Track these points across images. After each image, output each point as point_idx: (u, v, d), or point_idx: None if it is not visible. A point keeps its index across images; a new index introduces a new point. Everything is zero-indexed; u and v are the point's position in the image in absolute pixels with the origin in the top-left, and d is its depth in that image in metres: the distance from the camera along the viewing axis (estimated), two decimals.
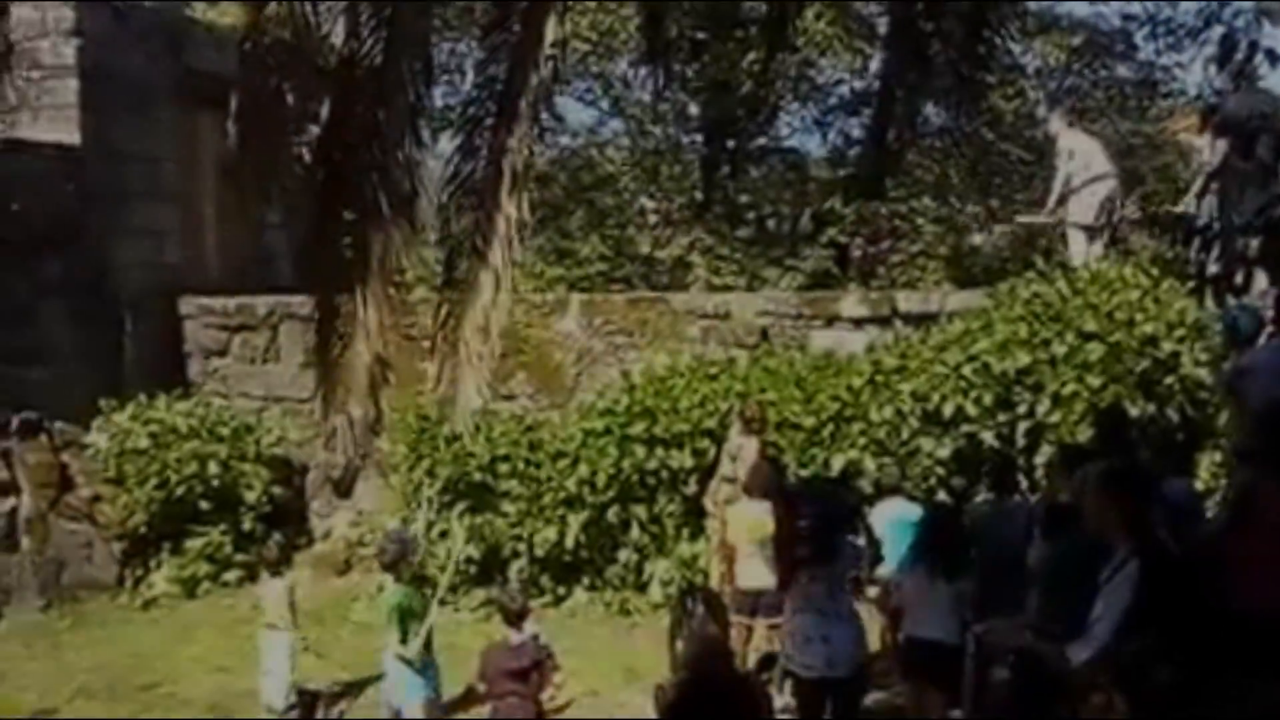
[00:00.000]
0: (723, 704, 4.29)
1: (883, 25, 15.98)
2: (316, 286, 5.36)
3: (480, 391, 4.94)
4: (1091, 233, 10.79)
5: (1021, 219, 14.39)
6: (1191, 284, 9.93)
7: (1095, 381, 8.79)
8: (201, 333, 12.83)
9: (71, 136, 12.00)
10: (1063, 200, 10.89)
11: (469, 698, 7.91)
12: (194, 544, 11.10)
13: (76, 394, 11.38)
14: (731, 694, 4.46)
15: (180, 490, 11.10)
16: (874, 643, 7.01)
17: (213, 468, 11.19)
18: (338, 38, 5.32)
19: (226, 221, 13.91)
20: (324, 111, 5.17)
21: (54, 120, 11.93)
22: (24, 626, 10.25)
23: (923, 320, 10.43)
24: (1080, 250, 10.77)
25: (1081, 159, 10.81)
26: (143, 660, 9.26)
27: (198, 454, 11.20)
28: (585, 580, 10.23)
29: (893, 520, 7.77)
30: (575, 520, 10.01)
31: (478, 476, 10.40)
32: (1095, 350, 8.93)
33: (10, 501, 10.74)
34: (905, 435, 9.24)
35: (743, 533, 7.83)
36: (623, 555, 10.11)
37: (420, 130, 5.00)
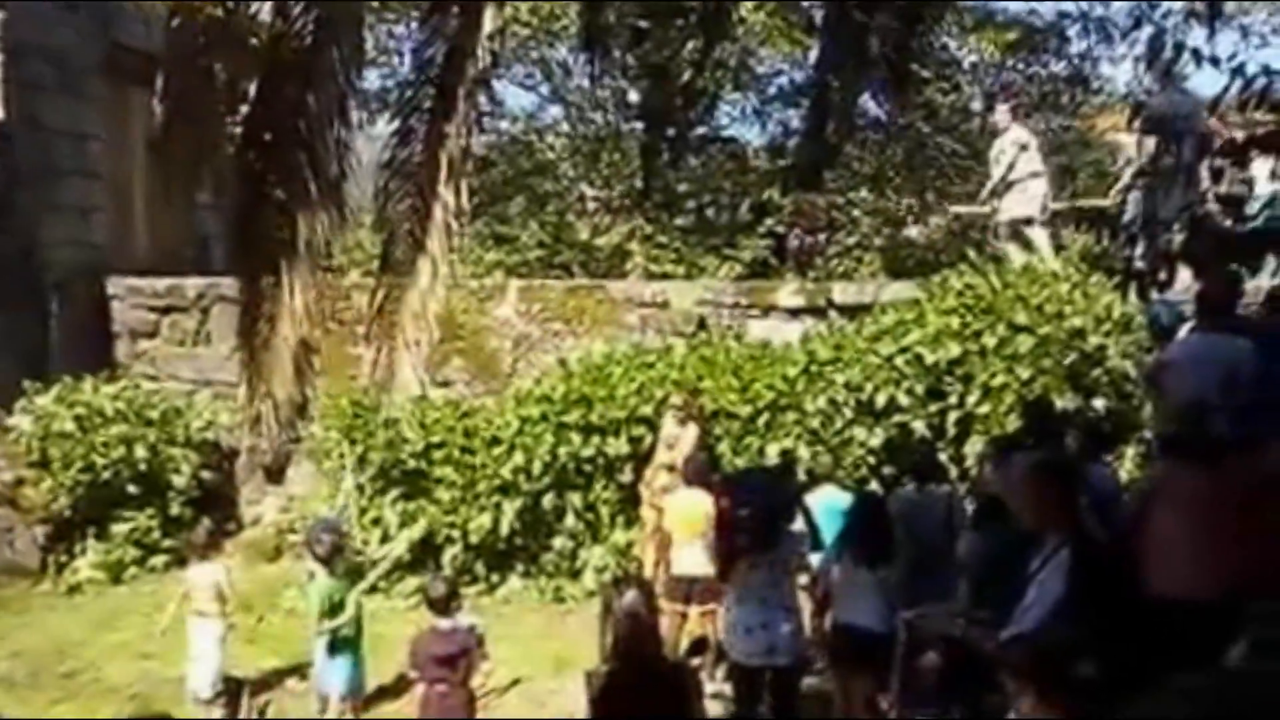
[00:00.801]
0: (653, 690, 4.32)
1: (821, 17, 16.08)
2: (244, 269, 5.28)
3: (417, 377, 4.91)
4: (1031, 225, 10.88)
5: (956, 209, 14.57)
6: (1118, 279, 10.15)
7: (1024, 373, 8.94)
8: (130, 314, 12.60)
9: None
10: (998, 193, 10.95)
11: (399, 685, 7.89)
12: (120, 529, 10.91)
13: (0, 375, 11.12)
14: (661, 679, 4.49)
15: (106, 474, 10.89)
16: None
17: (140, 451, 10.99)
18: (267, 15, 5.24)
19: (156, 201, 13.63)
20: (252, 91, 5.09)
21: None
22: None
23: (857, 311, 10.53)
24: (1040, 242, 10.77)
25: (1030, 153, 10.90)
26: (66, 647, 9.08)
27: (125, 437, 10.99)
28: (519, 567, 10.22)
29: (824, 508, 7.85)
30: (510, 507, 9.99)
31: (411, 463, 10.33)
32: (1025, 342, 9.08)
33: None
34: (839, 424, 9.34)
35: (679, 520, 7.87)
36: (557, 542, 10.10)
37: (350, 112, 4.95)
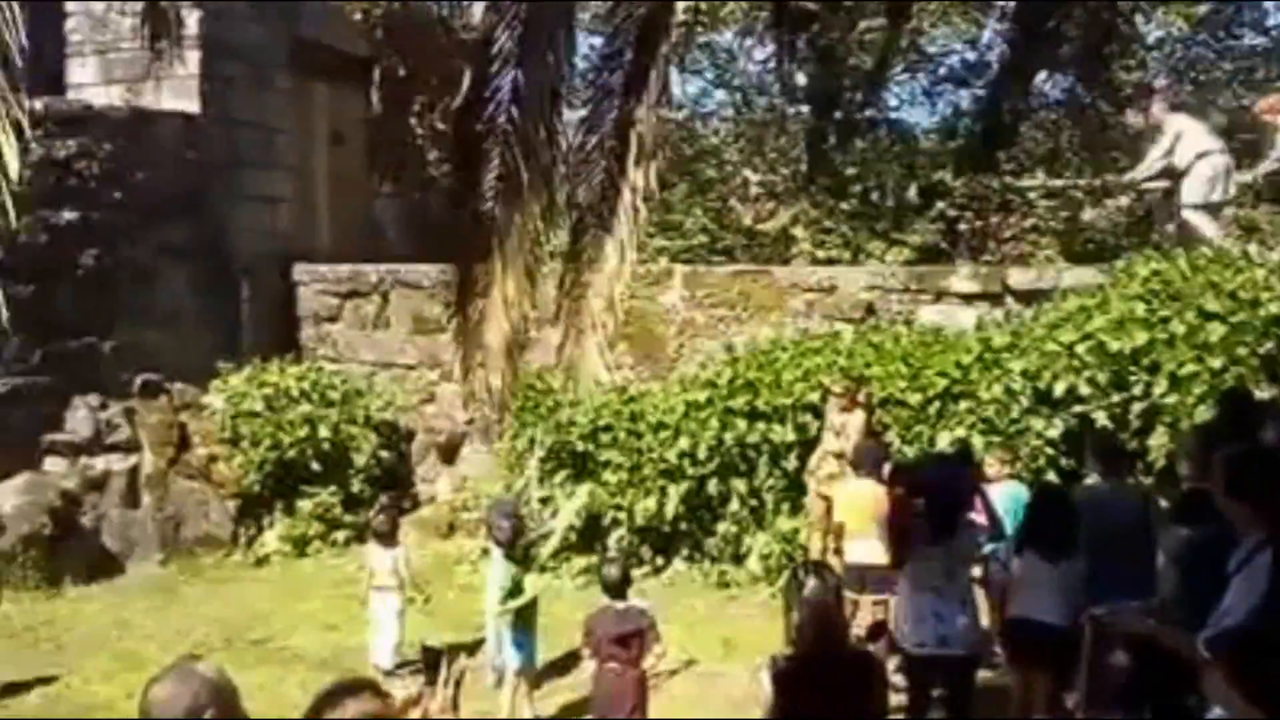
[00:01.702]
0: (839, 676, 4.28)
1: None
2: (456, 256, 5.39)
3: (603, 361, 4.97)
4: (1209, 210, 10.45)
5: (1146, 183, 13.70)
6: None
7: (1216, 362, 8.48)
8: (314, 299, 13.15)
9: (192, 106, 12.36)
10: (1164, 176, 10.64)
11: (569, 662, 8.05)
12: (305, 505, 11.44)
13: (195, 356, 11.80)
14: (848, 666, 4.45)
15: (292, 452, 11.43)
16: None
17: (323, 431, 11.50)
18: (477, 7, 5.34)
19: (338, 190, 14.26)
20: (464, 83, 5.20)
21: (176, 91, 12.30)
22: (144, 580, 10.70)
23: (1034, 297, 10.19)
24: (1209, 230, 10.41)
25: (1189, 140, 10.51)
26: (256, 616, 9.57)
27: (309, 417, 11.52)
28: (684, 551, 10.28)
29: (1006, 498, 7.65)
30: (675, 491, 10.05)
31: (579, 446, 10.50)
32: (1216, 330, 8.61)
33: (133, 459, 11.18)
34: (1015, 414, 9.05)
35: (851, 509, 7.78)
36: (721, 527, 10.11)
37: (561, 100, 5.00)
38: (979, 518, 6.79)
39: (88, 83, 12.51)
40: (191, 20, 12.17)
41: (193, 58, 12.16)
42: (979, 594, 7.36)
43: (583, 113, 5.13)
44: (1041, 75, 15.97)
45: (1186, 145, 10.57)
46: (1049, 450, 8.97)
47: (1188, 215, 10.64)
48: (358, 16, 14.00)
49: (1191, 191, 10.55)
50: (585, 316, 4.97)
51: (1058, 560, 6.06)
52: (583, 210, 5.10)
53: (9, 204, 2.79)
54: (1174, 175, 10.69)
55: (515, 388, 10.61)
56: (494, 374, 5.05)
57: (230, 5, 12.45)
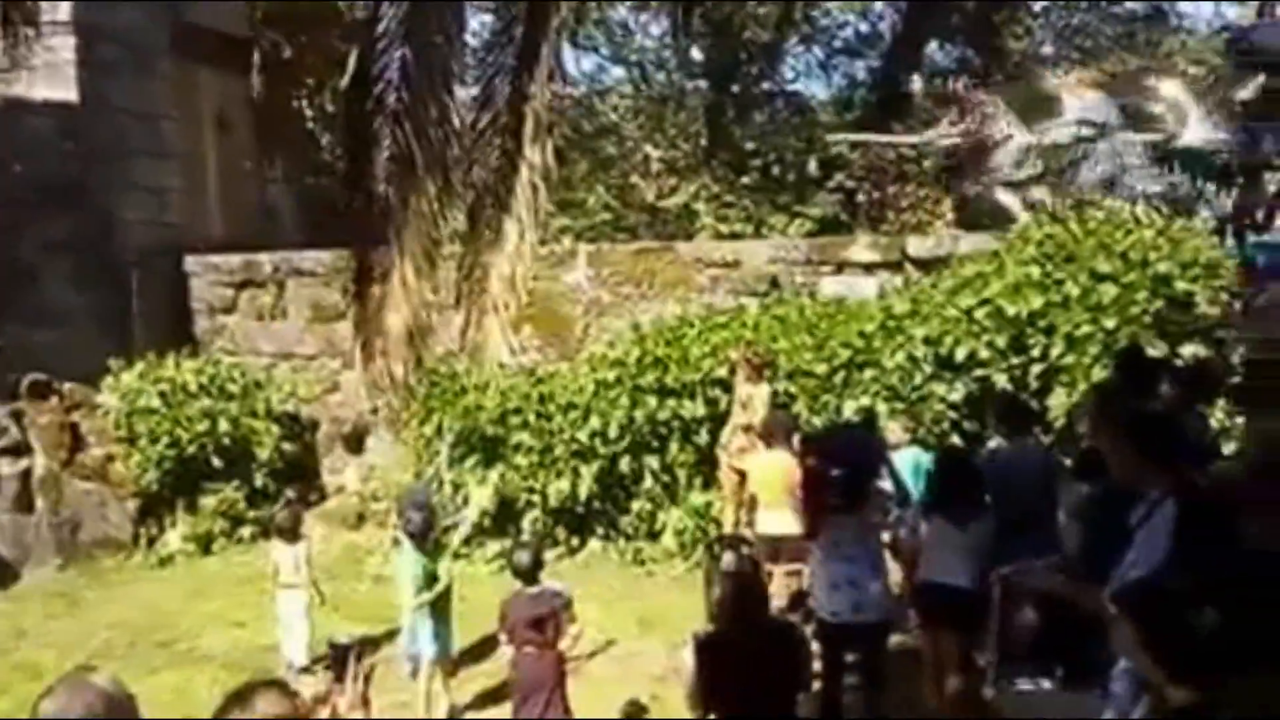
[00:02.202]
0: (762, 647, 4.30)
1: None
2: (352, 241, 5.25)
3: (505, 342, 4.90)
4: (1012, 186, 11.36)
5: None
6: (1212, 223, 9.82)
7: (1110, 322, 8.72)
8: (207, 290, 12.79)
9: (69, 94, 11.87)
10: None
11: (484, 647, 7.98)
12: (208, 501, 11.16)
13: (85, 354, 11.37)
14: (770, 636, 4.48)
15: (192, 448, 11.12)
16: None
17: (224, 425, 11.21)
18: None
19: (227, 177, 13.86)
20: (350, 62, 5.06)
21: (50, 79, 11.79)
22: (42, 585, 10.33)
23: (933, 264, 10.36)
24: (1009, 202, 11.29)
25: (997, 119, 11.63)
26: (162, 617, 9.31)
27: (208, 412, 11.22)
28: (599, 530, 10.29)
29: (908, 464, 7.77)
30: (588, 471, 10.03)
31: (489, 430, 10.40)
32: (1109, 291, 8.86)
33: (24, 462, 10.77)
34: (918, 380, 9.21)
35: (764, 482, 7.83)
36: (636, 505, 10.14)
37: (452, 79, 4.89)
38: (884, 484, 6.88)
39: None
40: (64, 6, 11.71)
41: (67, 44, 11.68)
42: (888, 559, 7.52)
43: (475, 91, 5.03)
44: (933, 45, 16.19)
45: (993, 123, 11.36)
46: (951, 414, 9.16)
47: (991, 188, 11.46)
48: None
49: (996, 166, 11.31)
50: (487, 298, 4.90)
51: (965, 523, 6.15)
52: (480, 190, 5.02)
53: None
54: (981, 149, 11.41)
55: (419, 374, 10.51)
56: (396, 361, 4.94)
57: None
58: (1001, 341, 9.07)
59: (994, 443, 7.57)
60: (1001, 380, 9.01)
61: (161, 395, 11.27)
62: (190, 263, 12.77)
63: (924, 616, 6.49)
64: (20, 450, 10.80)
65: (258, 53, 13.96)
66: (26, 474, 10.75)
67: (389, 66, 4.70)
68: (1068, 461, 6.77)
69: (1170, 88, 11.57)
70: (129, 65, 12.38)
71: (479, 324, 4.97)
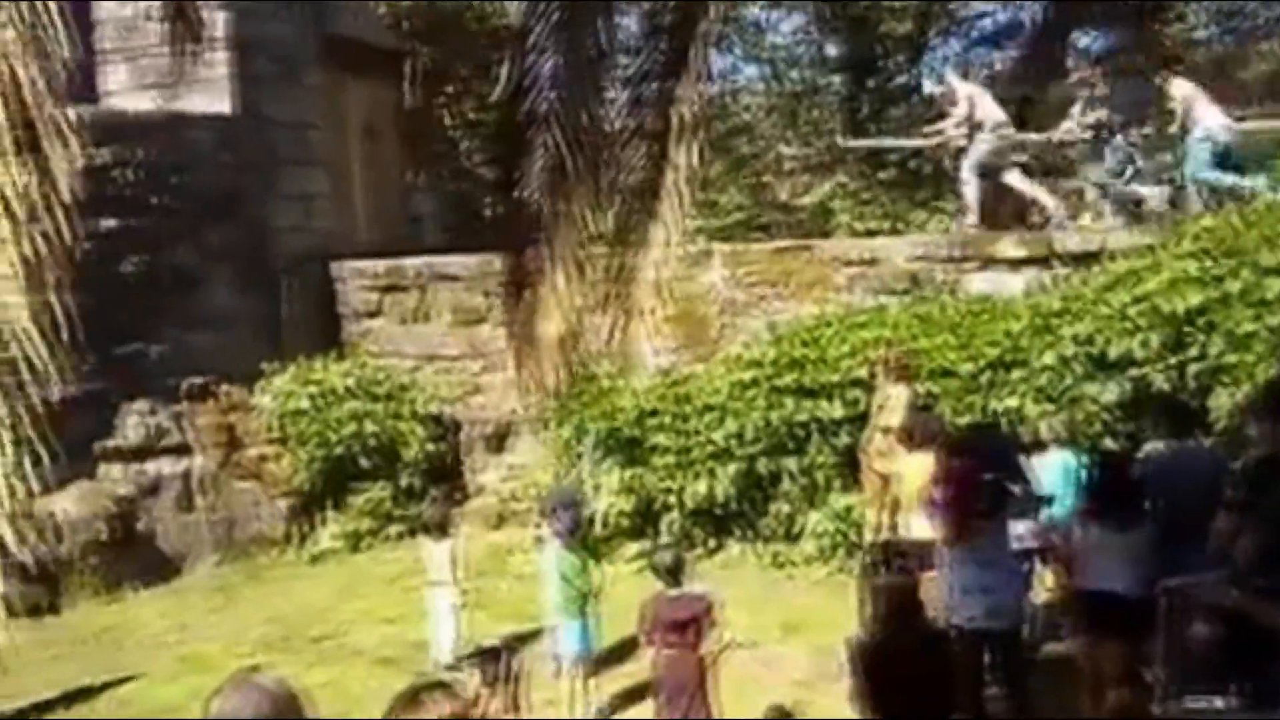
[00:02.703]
0: (923, 655, 4.22)
1: None
2: (502, 247, 5.31)
3: (653, 345, 4.90)
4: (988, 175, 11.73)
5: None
6: None
7: (1276, 319, 8.28)
8: (354, 294, 13.15)
9: (225, 107, 12.36)
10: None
11: (626, 648, 8.01)
12: (356, 501, 11.49)
13: (241, 357, 11.83)
14: (930, 645, 4.39)
15: (340, 449, 11.47)
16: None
17: (371, 426, 11.52)
18: None
19: (373, 185, 14.25)
20: (503, 71, 5.13)
21: (207, 92, 12.30)
22: (202, 580, 10.81)
23: (1084, 260, 10.00)
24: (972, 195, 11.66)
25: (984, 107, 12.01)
26: (314, 613, 9.62)
27: (356, 413, 11.55)
28: (738, 532, 10.23)
29: (1058, 468, 7.52)
30: (725, 473, 9.99)
31: (628, 431, 10.44)
32: (1274, 286, 8.41)
33: (185, 462, 11.26)
34: (1069, 380, 8.90)
35: (910, 484, 7.67)
36: (775, 507, 10.05)
37: (604, 85, 4.91)
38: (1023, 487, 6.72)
39: (118, 89, 12.54)
40: (219, 20, 12.18)
41: (223, 58, 12.15)
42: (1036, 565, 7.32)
43: (622, 95, 5.04)
44: (1077, 33, 15.59)
45: (982, 110, 11.85)
46: (1106, 416, 8.82)
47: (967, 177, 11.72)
48: (383, 10, 13.94)
49: (976, 155, 11.73)
50: (633, 302, 4.90)
51: (1125, 529, 5.94)
52: (626, 194, 5.02)
53: (61, 219, 2.75)
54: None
55: (569, 379, 10.63)
56: (547, 367, 4.98)
57: (257, 5, 12.41)
58: (1158, 340, 8.69)
59: (1151, 446, 7.28)
60: (1159, 380, 8.64)
61: (311, 397, 11.64)
62: (338, 268, 13.16)
63: (1083, 626, 6.27)
64: (181, 450, 11.30)
65: (403, 62, 14.31)
66: (187, 474, 11.25)
67: (541, 74, 4.74)
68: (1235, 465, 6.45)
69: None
70: (280, 77, 12.82)
71: (625, 328, 4.98)
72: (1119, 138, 11.96)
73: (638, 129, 4.92)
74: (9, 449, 2.58)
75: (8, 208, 2.59)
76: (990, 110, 12.02)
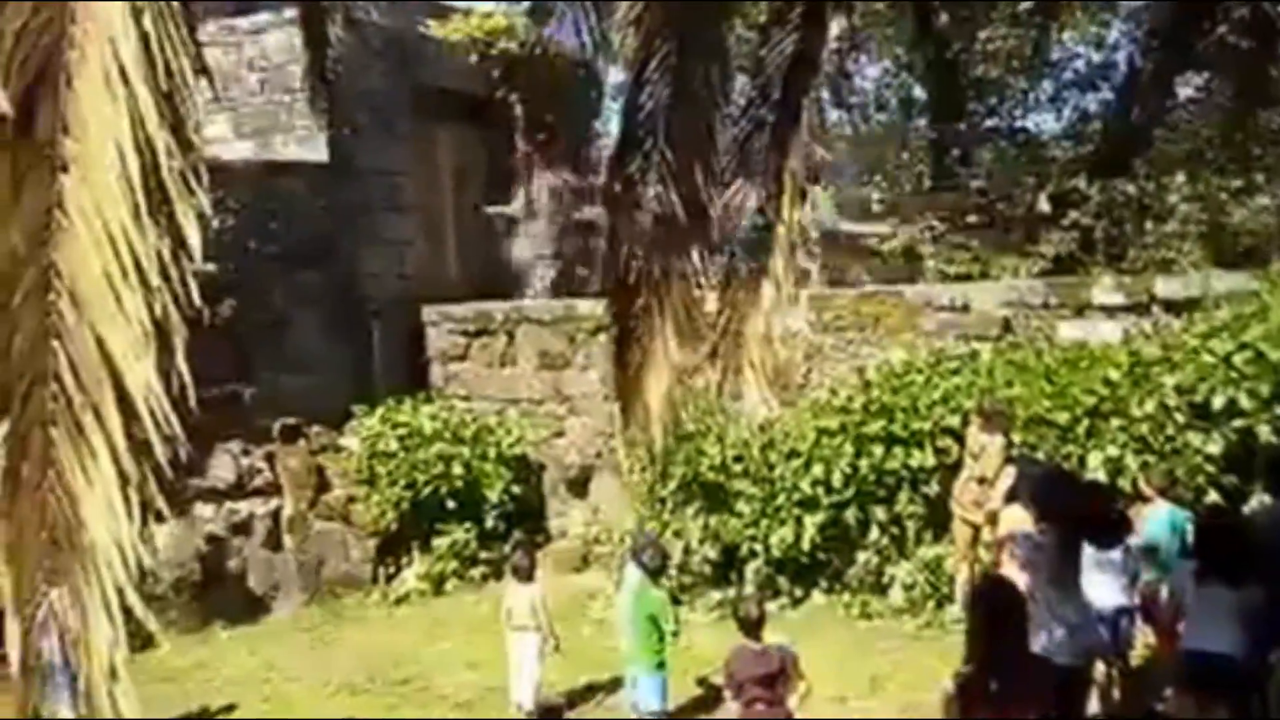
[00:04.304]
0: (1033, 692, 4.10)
1: None
2: (613, 295, 5.30)
3: (762, 396, 4.85)
4: None
5: None
6: None
7: None
8: (442, 338, 13.30)
9: (320, 155, 12.65)
10: None
11: (702, 700, 7.89)
12: (441, 542, 11.53)
13: (331, 399, 12.01)
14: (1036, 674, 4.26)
15: (427, 490, 11.54)
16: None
17: (457, 468, 11.59)
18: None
19: (464, 231, 14.44)
20: (616, 125, 5.17)
21: (303, 141, 12.62)
22: (289, 620, 10.93)
23: (1184, 306, 9.69)
24: None
25: None
26: (398, 656, 9.64)
27: (443, 455, 11.62)
28: (823, 582, 10.05)
29: (1161, 521, 7.25)
30: (811, 521, 9.83)
31: (711, 476, 10.35)
32: None
33: (275, 502, 11.43)
34: (1170, 431, 8.60)
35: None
36: (862, 557, 9.86)
37: (718, 141, 4.90)
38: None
39: (217, 138, 12.91)
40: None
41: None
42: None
43: (733, 147, 5.01)
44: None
45: None
46: (1209, 468, 8.50)
47: None
48: (474, 59, 14.17)
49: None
50: (743, 354, 4.86)
51: (1232, 588, 5.68)
52: (736, 246, 5.00)
53: (191, 280, 2.79)
54: None
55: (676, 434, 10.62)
56: (655, 422, 4.94)
57: (353, 54, 12.70)
58: (1265, 390, 8.37)
59: (1260, 499, 6.99)
60: (1265, 432, 8.31)
61: (399, 439, 11.76)
62: (427, 312, 13.34)
63: (1188, 686, 6.00)
64: (272, 490, 11.48)
65: (494, 109, 14.52)
66: (276, 513, 11.42)
67: (655, 129, 4.72)
68: None
69: None
70: (373, 127, 13.09)
71: (735, 380, 4.94)
72: None
73: (748, 182, 4.89)
74: (135, 511, 2.62)
75: (140, 272, 2.63)
76: None
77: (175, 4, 2.67)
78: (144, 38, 2.58)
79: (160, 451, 2.64)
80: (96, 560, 2.46)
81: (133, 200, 2.56)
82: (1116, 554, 6.74)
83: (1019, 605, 4.60)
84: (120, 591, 2.51)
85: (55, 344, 2.57)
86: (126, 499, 2.55)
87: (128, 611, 2.60)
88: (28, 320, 2.57)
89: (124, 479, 2.56)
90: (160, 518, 2.68)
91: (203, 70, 2.84)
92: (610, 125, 16.23)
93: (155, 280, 2.62)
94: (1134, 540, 6.91)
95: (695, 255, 4.79)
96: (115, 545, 2.48)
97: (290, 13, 12.26)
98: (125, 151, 2.53)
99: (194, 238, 2.70)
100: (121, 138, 2.53)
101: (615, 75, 12.99)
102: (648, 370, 4.82)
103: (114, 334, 2.56)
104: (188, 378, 2.72)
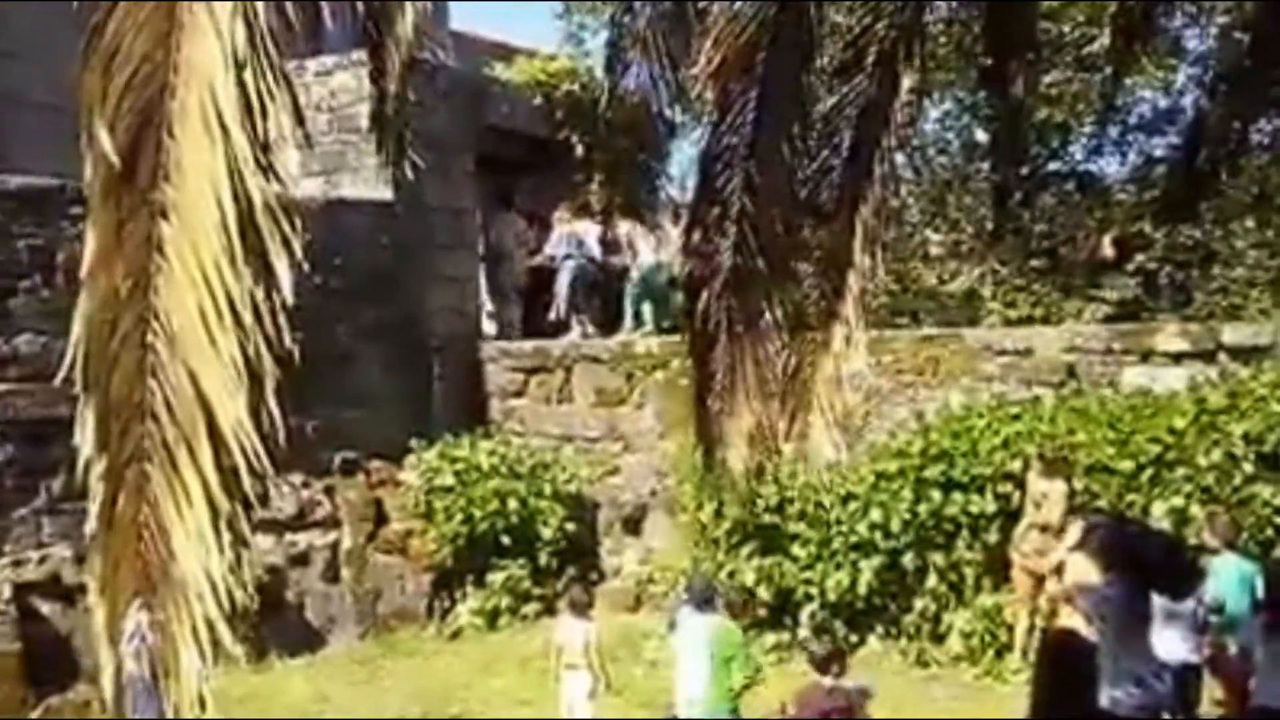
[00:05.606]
0: None
1: (1190, 39, 14.94)
2: (692, 342, 5.35)
3: (831, 441, 4.87)
4: None
5: None
6: None
7: None
8: (501, 374, 13.42)
9: (384, 193, 12.87)
10: None
11: None
12: (496, 578, 11.57)
13: (390, 434, 12.14)
14: None
15: (483, 526, 11.60)
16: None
17: (512, 504, 11.64)
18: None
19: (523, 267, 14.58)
20: (692, 174, 5.23)
21: (369, 179, 12.84)
22: (345, 652, 10.99)
23: (1251, 354, 9.55)
24: None
25: None
26: (452, 691, 9.67)
27: (499, 491, 11.68)
28: (879, 628, 9.95)
29: (1231, 574, 7.11)
30: (868, 566, 9.77)
31: (766, 518, 10.31)
32: None
33: (333, 535, 11.55)
34: (1238, 480, 8.45)
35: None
36: (919, 603, 9.77)
37: (795, 189, 4.95)
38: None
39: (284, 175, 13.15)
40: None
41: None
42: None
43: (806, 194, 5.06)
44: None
45: None
46: (1277, 519, 8.33)
47: None
48: (538, 100, 14.40)
49: None
50: (812, 397, 4.88)
51: None
52: (810, 291, 5.04)
53: (283, 321, 2.88)
54: None
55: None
56: (737, 464, 4.98)
57: (419, 96, 12.93)
58: None
59: None
60: None
61: (456, 474, 11.84)
62: (487, 348, 13.47)
63: None
64: (331, 523, 11.60)
65: (557, 149, 14.72)
66: (335, 546, 11.53)
67: (732, 177, 4.79)
68: None
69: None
70: (436, 165, 13.29)
71: (805, 423, 4.96)
72: None
73: (820, 229, 4.93)
74: (226, 544, 2.70)
75: (234, 312, 2.74)
76: None
77: (275, 56, 2.78)
78: (242, 87, 2.68)
79: (249, 486, 2.72)
80: (188, 592, 2.53)
81: (228, 244, 2.65)
82: (1189, 605, 6.63)
83: (1088, 659, 4.56)
84: (210, 624, 2.58)
85: (152, 382, 2.66)
86: (218, 532, 2.63)
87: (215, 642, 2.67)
88: (126, 359, 2.67)
89: (215, 513, 2.63)
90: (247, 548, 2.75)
91: (300, 120, 2.94)
92: (670, 167, 16.38)
93: (249, 320, 2.70)
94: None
95: (774, 301, 4.83)
96: (206, 578, 2.55)
97: (358, 55, 12.53)
98: (222, 198, 2.63)
99: (286, 279, 2.79)
100: (219, 184, 2.63)
101: (688, 122, 13.09)
102: (729, 415, 4.85)
103: (208, 372, 2.65)
104: (278, 416, 2.80)
